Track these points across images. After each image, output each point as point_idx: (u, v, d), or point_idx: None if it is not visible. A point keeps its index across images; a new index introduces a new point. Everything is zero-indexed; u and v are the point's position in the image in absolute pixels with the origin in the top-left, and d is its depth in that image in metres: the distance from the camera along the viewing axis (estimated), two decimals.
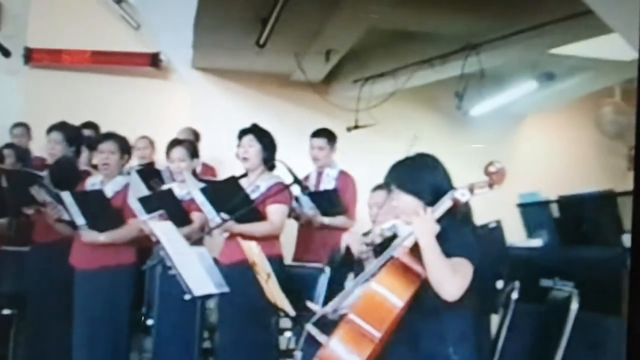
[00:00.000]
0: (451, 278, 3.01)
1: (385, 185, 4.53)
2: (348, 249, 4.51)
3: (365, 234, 4.54)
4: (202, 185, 5.05)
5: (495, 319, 4.51)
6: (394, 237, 3.42)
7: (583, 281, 3.88)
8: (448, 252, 3.05)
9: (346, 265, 4.26)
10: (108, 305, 5.18)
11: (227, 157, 6.12)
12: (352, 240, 4.28)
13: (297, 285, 4.70)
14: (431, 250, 3.03)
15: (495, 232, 5.50)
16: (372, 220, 4.56)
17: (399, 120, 8.07)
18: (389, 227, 3.68)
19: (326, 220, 5.91)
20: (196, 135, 6.98)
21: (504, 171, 3.14)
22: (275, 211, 5.00)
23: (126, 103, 7.87)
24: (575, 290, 3.54)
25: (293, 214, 5.78)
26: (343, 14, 6.09)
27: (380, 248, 3.51)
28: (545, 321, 3.78)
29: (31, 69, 8.14)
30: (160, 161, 6.78)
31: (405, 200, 3.25)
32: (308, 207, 5.90)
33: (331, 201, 5.86)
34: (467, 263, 3.07)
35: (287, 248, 5.61)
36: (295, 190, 5.31)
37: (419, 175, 3.26)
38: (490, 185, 3.13)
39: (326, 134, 6.13)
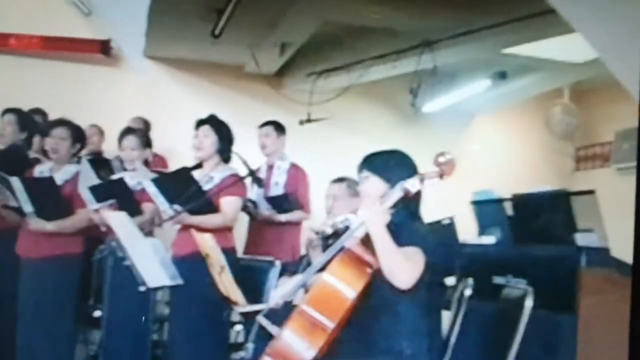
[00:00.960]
0: (403, 265, 3.03)
1: (345, 179, 4.57)
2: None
3: (317, 231, 4.54)
4: (154, 175, 4.98)
5: (448, 316, 4.53)
6: (346, 230, 3.41)
7: (536, 279, 3.91)
8: (400, 243, 3.07)
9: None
10: (53, 295, 5.09)
11: (178, 147, 6.08)
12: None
13: (248, 278, 4.65)
14: (381, 238, 3.06)
15: (448, 229, 5.55)
16: (327, 211, 4.57)
17: (353, 115, 8.09)
18: (342, 220, 3.74)
19: (283, 217, 5.91)
20: (147, 125, 6.89)
21: (453, 162, 3.18)
22: (229, 203, 4.93)
23: (76, 90, 7.70)
24: (530, 288, 3.55)
25: (246, 209, 5.73)
26: (299, 7, 6.06)
27: (330, 242, 3.53)
28: (498, 318, 3.79)
29: None
30: (110, 150, 6.70)
31: (372, 182, 3.29)
32: (264, 208, 5.89)
33: (287, 202, 5.90)
34: (420, 252, 3.09)
35: (238, 241, 5.56)
36: (251, 188, 5.31)
37: (390, 163, 3.31)
38: (440, 176, 3.17)
39: (272, 123, 6.18)
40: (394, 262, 3.03)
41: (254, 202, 5.82)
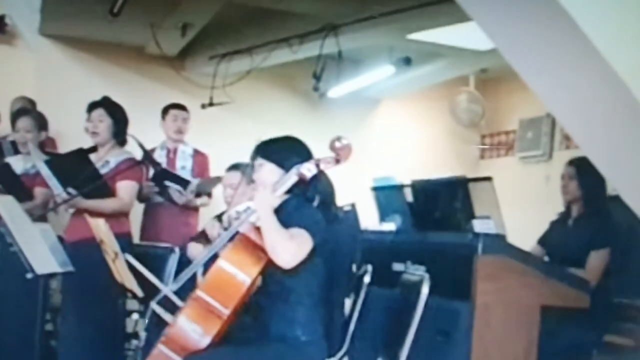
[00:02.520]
0: (285, 243, 3.02)
1: (239, 166, 4.52)
2: (203, 232, 4.44)
3: (219, 217, 4.48)
4: (48, 158, 4.82)
5: (348, 302, 4.50)
6: None
7: (434, 265, 3.92)
8: (288, 224, 3.09)
9: None
10: None
11: (72, 130, 5.90)
12: (197, 254, 4.26)
13: (146, 265, 4.53)
14: (266, 218, 3.07)
15: (349, 215, 5.52)
16: (227, 202, 4.54)
17: (255, 99, 8.01)
18: (244, 209, 3.74)
19: (198, 201, 5.88)
20: (32, 104, 6.64)
21: (349, 147, 3.17)
22: (125, 187, 4.84)
23: None
24: (426, 275, 3.55)
25: (141, 196, 5.58)
26: None
27: None
28: (397, 305, 3.78)
29: None
30: (4, 130, 6.45)
31: (267, 169, 3.29)
32: (190, 191, 5.78)
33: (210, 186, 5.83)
34: (306, 234, 3.09)
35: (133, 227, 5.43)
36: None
37: (284, 150, 3.32)
38: (337, 161, 3.17)
39: (182, 106, 6.13)
40: (276, 240, 3.02)
41: (184, 182, 5.69)
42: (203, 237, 4.53)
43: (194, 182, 5.75)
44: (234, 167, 4.63)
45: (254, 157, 3.37)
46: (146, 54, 7.73)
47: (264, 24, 6.91)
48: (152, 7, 6.42)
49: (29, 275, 4.06)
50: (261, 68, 7.22)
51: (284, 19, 6.73)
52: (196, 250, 4.46)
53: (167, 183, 5.66)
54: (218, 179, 5.38)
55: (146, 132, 5.02)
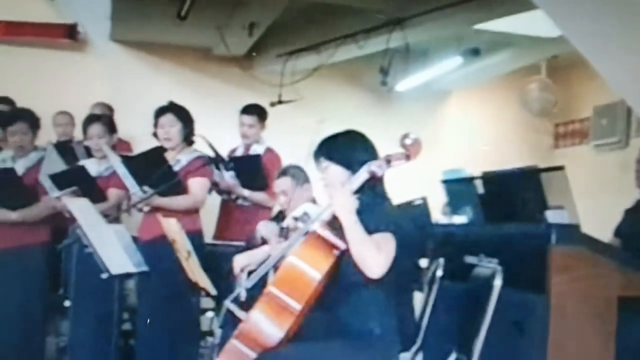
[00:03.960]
0: (375, 256, 2.99)
1: (287, 171, 4.55)
2: (264, 239, 4.47)
3: (275, 218, 4.51)
4: (123, 158, 4.91)
5: (420, 297, 4.48)
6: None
7: (507, 257, 3.86)
8: (370, 228, 3.04)
9: None
10: (20, 286, 5.06)
11: (144, 132, 5.97)
12: (268, 231, 4.27)
13: (218, 263, 4.59)
14: (353, 227, 3.02)
15: (420, 209, 5.49)
16: (282, 208, 4.59)
17: (323, 95, 8.01)
18: (301, 215, 3.90)
19: (246, 192, 5.79)
20: (110, 110, 6.79)
21: (419, 143, 3.15)
22: (197, 184, 4.92)
23: (41, 76, 7.59)
24: (499, 267, 3.50)
25: (215, 187, 5.63)
26: None
27: None
28: (469, 298, 3.74)
29: None
30: (79, 136, 6.59)
31: (334, 172, 3.25)
32: (228, 175, 5.76)
33: (250, 169, 5.73)
34: (390, 237, 3.06)
35: (208, 226, 5.48)
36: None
37: (347, 149, 3.27)
38: (407, 157, 3.15)
39: (257, 111, 6.03)
40: (366, 253, 3.00)
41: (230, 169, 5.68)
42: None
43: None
44: (283, 172, 4.65)
45: (317, 157, 3.33)
46: (214, 55, 7.82)
47: (330, 20, 6.91)
48: (219, 9, 6.49)
49: (104, 276, 4.14)
50: (328, 64, 7.21)
51: (350, 15, 6.73)
52: (266, 229, 4.46)
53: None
54: (256, 162, 5.43)
55: (216, 132, 5.07)
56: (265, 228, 4.55)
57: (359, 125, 3.45)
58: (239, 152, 6.04)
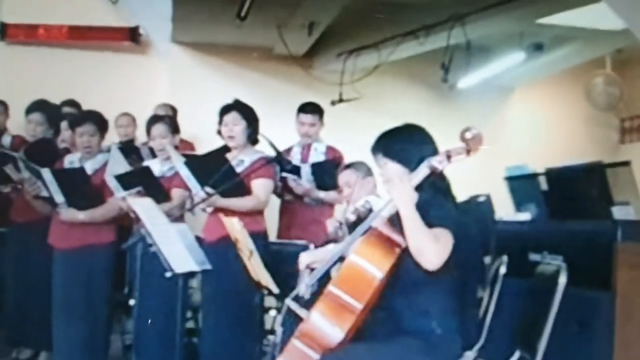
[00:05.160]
0: (432, 246, 2.93)
1: (352, 164, 4.55)
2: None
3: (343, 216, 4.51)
4: (186, 158, 4.95)
5: (483, 294, 4.44)
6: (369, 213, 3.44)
7: (572, 255, 3.81)
8: (429, 223, 2.99)
9: None
10: (87, 285, 5.09)
11: (206, 132, 6.03)
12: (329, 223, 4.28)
13: (281, 263, 4.61)
14: (410, 218, 2.96)
15: (483, 206, 5.44)
16: (346, 200, 4.58)
17: (384, 93, 7.99)
18: (363, 204, 3.86)
19: (322, 194, 5.79)
20: (174, 111, 6.87)
21: (480, 136, 3.06)
22: (260, 185, 4.91)
23: (105, 79, 7.76)
24: (564, 264, 3.45)
25: (278, 190, 5.66)
26: None
27: (355, 226, 3.47)
28: (533, 296, 3.69)
29: (7, 45, 7.97)
30: (141, 137, 6.69)
31: (392, 169, 3.20)
32: (306, 179, 5.77)
33: (330, 174, 5.66)
34: (448, 234, 3.00)
35: (271, 226, 5.51)
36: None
37: (406, 144, 3.22)
38: (468, 152, 3.06)
39: (316, 110, 6.03)
40: (422, 242, 2.94)
41: (297, 170, 5.71)
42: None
43: (305, 167, 5.76)
44: (348, 166, 4.68)
45: (374, 153, 3.28)
46: (274, 55, 7.86)
47: (390, 17, 6.87)
48: (278, 8, 6.51)
49: (168, 274, 4.17)
50: (388, 62, 7.18)
51: (410, 11, 6.69)
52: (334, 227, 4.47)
53: (283, 174, 5.67)
54: (335, 166, 5.40)
55: (277, 132, 5.06)
56: (330, 224, 4.57)
57: (421, 122, 3.38)
58: (296, 152, 6.04)
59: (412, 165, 3.13)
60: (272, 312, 5.37)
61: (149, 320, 4.96)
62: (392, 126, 3.34)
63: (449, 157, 3.06)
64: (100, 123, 5.27)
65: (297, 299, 3.45)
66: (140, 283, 4.86)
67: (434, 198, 3.14)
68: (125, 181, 5.02)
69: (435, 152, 3.15)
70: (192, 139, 6.73)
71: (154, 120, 5.49)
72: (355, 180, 4.53)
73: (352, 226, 4.06)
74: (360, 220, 3.79)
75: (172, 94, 7.40)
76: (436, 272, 3.00)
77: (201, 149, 6.18)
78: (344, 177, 4.66)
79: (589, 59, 8.07)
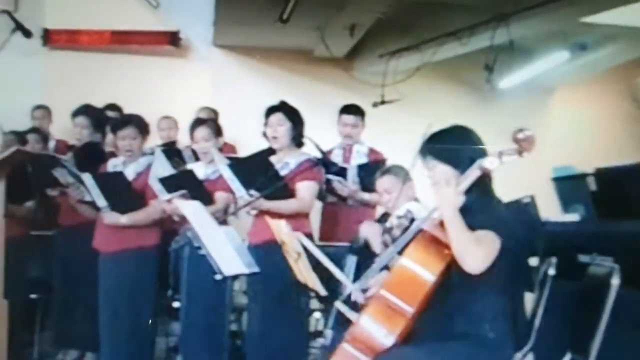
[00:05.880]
0: (474, 249, 2.92)
1: (391, 169, 4.52)
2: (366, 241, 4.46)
3: (379, 220, 4.48)
4: (230, 161, 4.95)
5: (531, 297, 4.39)
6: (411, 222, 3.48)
7: (623, 256, 3.75)
8: (473, 225, 2.98)
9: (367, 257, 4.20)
10: (132, 288, 5.14)
11: (248, 135, 6.04)
12: (370, 232, 4.23)
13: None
14: (451, 221, 2.96)
15: (528, 208, 5.38)
16: (386, 207, 4.58)
17: (426, 94, 7.95)
18: (404, 214, 3.87)
19: (366, 196, 5.74)
20: (215, 114, 6.89)
21: (533, 138, 3.03)
22: (305, 188, 4.88)
23: (146, 83, 7.83)
24: (616, 265, 3.39)
25: (330, 193, 5.63)
26: None
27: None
28: (584, 298, 3.64)
29: (49, 50, 8.07)
30: (183, 140, 6.72)
31: (441, 171, 3.19)
32: (351, 181, 5.74)
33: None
34: (493, 236, 2.98)
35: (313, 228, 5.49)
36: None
37: (455, 146, 3.19)
38: (520, 153, 3.03)
39: (358, 111, 6.00)
40: (463, 246, 2.93)
41: (343, 172, 5.68)
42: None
43: (350, 169, 5.72)
44: (386, 171, 4.62)
45: (423, 155, 3.26)
46: (314, 57, 7.87)
47: (431, 18, 6.84)
48: (320, 10, 6.50)
49: (218, 277, 4.17)
50: (431, 63, 7.13)
51: (452, 12, 6.65)
52: (369, 230, 4.44)
53: (329, 176, 5.64)
54: (378, 167, 5.37)
55: (319, 134, 5.05)
56: (367, 229, 4.54)
57: (463, 123, 3.38)
58: (337, 154, 6.00)
59: (462, 167, 3.12)
60: (316, 315, 5.36)
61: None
62: (437, 128, 3.32)
63: (500, 157, 3.04)
64: (141, 126, 5.30)
65: (346, 301, 3.47)
66: (187, 286, 4.87)
67: (480, 200, 3.13)
68: (169, 184, 5.04)
69: (484, 153, 3.13)
70: (233, 142, 6.75)
71: (197, 123, 5.51)
72: (395, 187, 4.49)
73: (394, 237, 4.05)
74: (404, 230, 3.76)
75: (213, 97, 7.44)
76: (487, 275, 2.98)
77: (242, 152, 6.20)
78: (383, 184, 4.60)
79: (633, 58, 7.96)
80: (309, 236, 4.95)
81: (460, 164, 3.13)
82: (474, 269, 2.92)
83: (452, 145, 3.20)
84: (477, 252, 2.92)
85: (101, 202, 5.08)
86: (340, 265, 5.02)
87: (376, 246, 4.30)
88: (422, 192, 4.53)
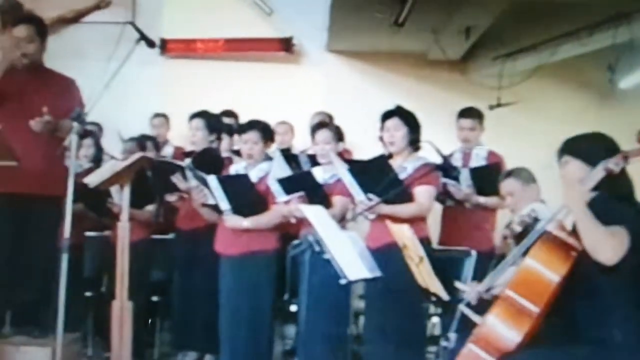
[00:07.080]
0: (607, 240, 2.92)
1: (512, 173, 4.48)
2: None
3: (508, 226, 4.42)
4: (349, 165, 4.97)
5: None
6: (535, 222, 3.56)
7: None
8: (603, 222, 2.97)
9: None
10: (252, 291, 5.20)
11: (364, 140, 6.04)
12: None
13: (443, 269, 4.54)
14: (582, 217, 2.98)
15: None
16: (510, 210, 4.58)
17: (543, 96, 7.81)
18: (528, 213, 3.95)
19: (482, 199, 5.67)
20: (331, 119, 6.91)
21: None
22: (423, 192, 4.86)
23: (260, 89, 7.92)
24: None
25: (441, 196, 5.58)
26: None
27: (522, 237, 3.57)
28: None
29: (166, 59, 8.29)
30: (297, 145, 6.78)
31: (573, 167, 3.22)
32: (466, 185, 5.68)
33: (490, 179, 5.55)
34: (624, 231, 2.97)
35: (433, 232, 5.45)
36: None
37: (590, 144, 3.27)
38: None
39: (476, 114, 5.95)
40: (596, 237, 2.94)
41: (456, 175, 5.63)
42: None
43: (464, 172, 5.66)
44: (508, 174, 4.64)
45: (560, 154, 3.31)
46: (428, 60, 7.81)
47: (548, 18, 6.68)
48: (435, 13, 6.43)
49: (343, 282, 4.16)
50: (548, 64, 7.00)
51: (571, 11, 6.47)
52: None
53: (443, 179, 5.56)
54: (495, 171, 5.30)
55: (433, 138, 5.00)
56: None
57: (583, 124, 3.48)
58: (457, 157, 5.95)
59: (593, 163, 3.13)
60: (434, 319, 5.32)
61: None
62: (554, 129, 3.37)
63: (625, 158, 3.06)
64: (264, 131, 5.35)
65: (468, 304, 3.50)
66: (309, 290, 4.89)
67: (608, 199, 3.11)
68: (288, 185, 5.10)
69: (615, 153, 3.12)
70: (349, 146, 6.75)
71: (319, 126, 5.57)
72: (518, 190, 4.51)
73: (518, 237, 4.00)
74: (527, 230, 3.81)
75: (326, 103, 7.45)
76: (616, 277, 2.99)
77: (357, 156, 6.19)
78: (506, 186, 4.61)
79: None
80: (428, 240, 4.95)
81: (592, 160, 3.15)
82: (608, 259, 2.91)
83: (588, 142, 3.28)
84: (611, 241, 2.92)
85: (224, 205, 5.15)
86: (458, 269, 5.02)
87: None
88: (547, 194, 4.48)
